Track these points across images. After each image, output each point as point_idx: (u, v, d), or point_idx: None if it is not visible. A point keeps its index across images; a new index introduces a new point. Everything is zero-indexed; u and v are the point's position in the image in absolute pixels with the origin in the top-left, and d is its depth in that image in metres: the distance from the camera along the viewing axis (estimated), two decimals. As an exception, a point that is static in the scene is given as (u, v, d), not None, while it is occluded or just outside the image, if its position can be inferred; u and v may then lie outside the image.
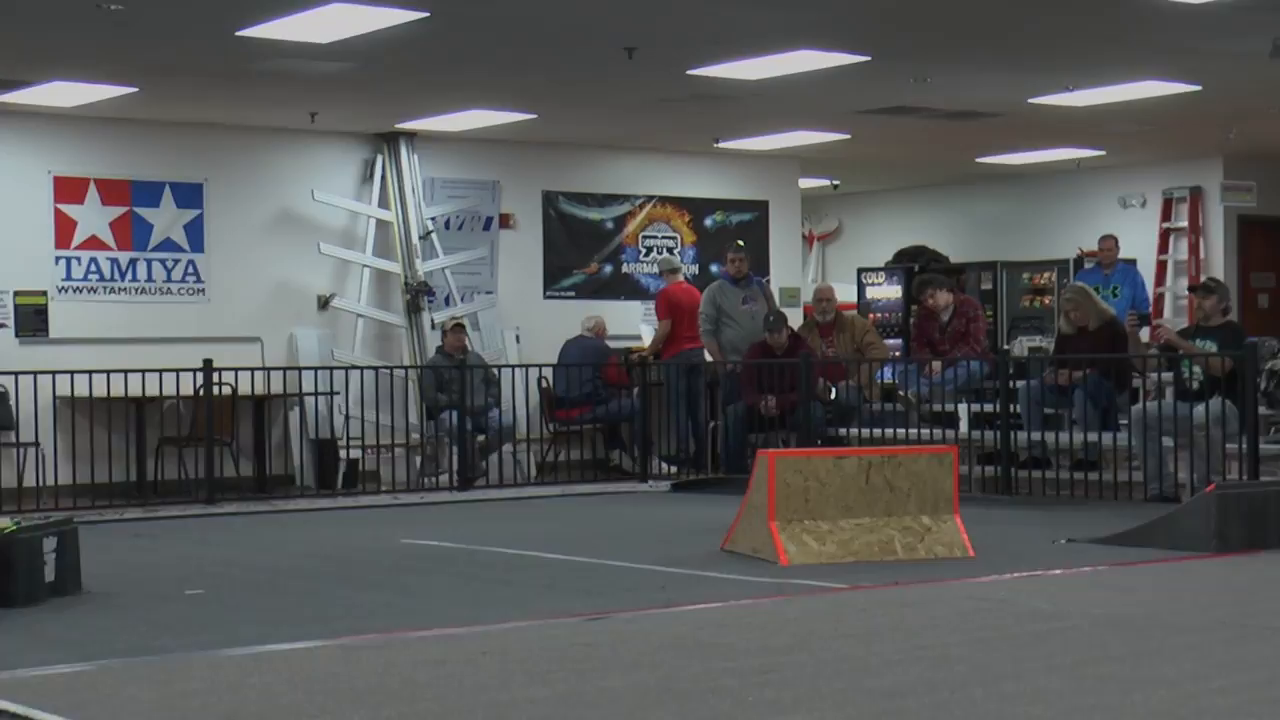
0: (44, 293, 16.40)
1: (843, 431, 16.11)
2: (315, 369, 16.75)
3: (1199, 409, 13.39)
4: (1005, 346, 19.31)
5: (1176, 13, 12.60)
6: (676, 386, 17.65)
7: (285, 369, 16.84)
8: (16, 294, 16.29)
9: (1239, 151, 20.66)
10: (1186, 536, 10.67)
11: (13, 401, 15.54)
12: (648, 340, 18.96)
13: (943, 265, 22.46)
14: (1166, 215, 21.77)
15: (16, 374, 15.09)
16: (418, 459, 17.25)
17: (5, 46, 13.50)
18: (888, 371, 17.24)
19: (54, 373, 15.07)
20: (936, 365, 16.09)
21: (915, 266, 22.39)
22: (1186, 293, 14.86)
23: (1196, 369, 13.65)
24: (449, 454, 16.93)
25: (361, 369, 16.92)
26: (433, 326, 17.81)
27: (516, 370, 17.68)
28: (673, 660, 6.89)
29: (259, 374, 16.34)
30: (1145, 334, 15.68)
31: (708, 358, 17.62)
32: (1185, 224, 21.58)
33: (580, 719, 5.77)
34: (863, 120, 17.77)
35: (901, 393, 16.53)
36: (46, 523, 9.69)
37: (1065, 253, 21.63)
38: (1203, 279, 17.78)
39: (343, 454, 16.95)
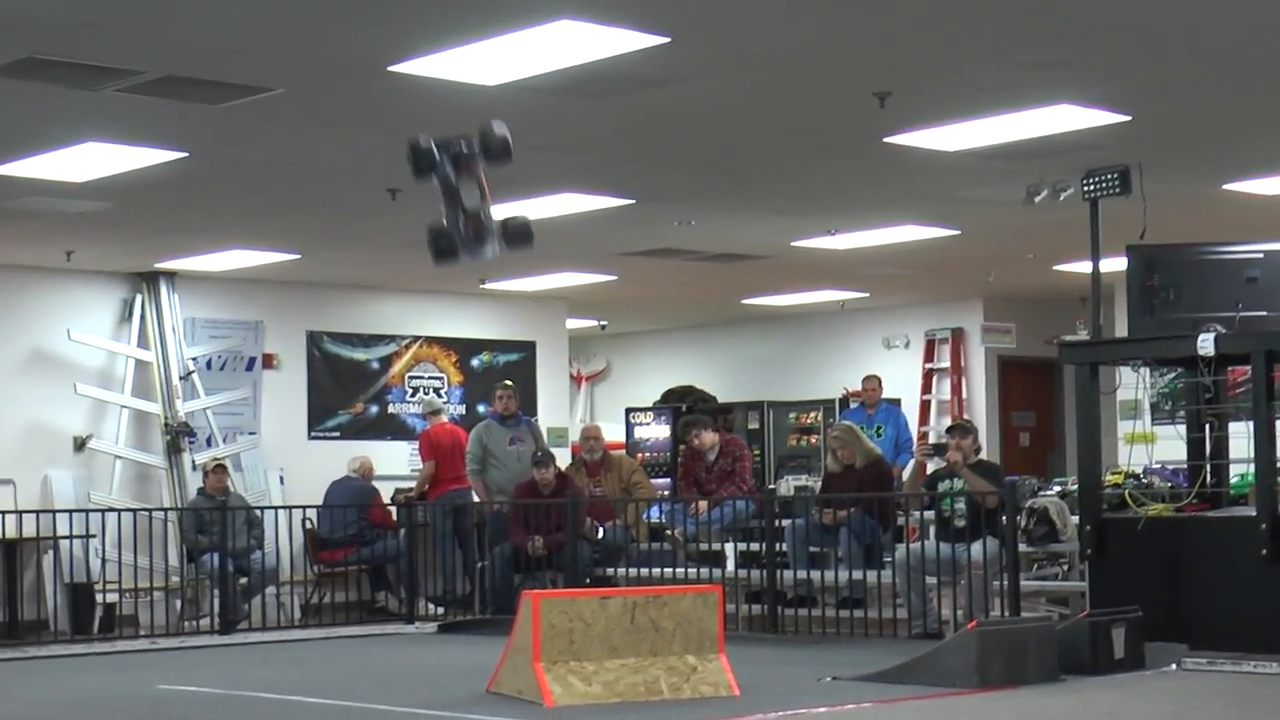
0: None
1: (610, 571, 16.05)
2: (71, 511, 16.33)
3: (960, 548, 13.56)
4: (771, 485, 19.44)
5: (933, 161, 12.89)
6: (442, 527, 17.50)
7: (39, 511, 16.40)
8: None
9: (998, 294, 21.16)
10: (949, 673, 10.75)
11: None
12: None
13: (710, 405, 22.62)
14: (929, 356, 22.20)
15: None
16: (178, 602, 16.87)
17: None
18: (655, 511, 17.23)
19: None
20: (703, 504, 16.12)
21: (683, 406, 22.53)
22: (946, 433, 15.10)
23: (959, 506, 13.84)
24: (210, 597, 16.58)
25: (119, 511, 16.54)
26: (194, 467, 17.51)
27: (280, 511, 17.37)
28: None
29: (10, 517, 15.89)
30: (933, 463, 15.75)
31: (475, 498, 17.51)
32: (947, 364, 22.01)
33: None
34: (629, 262, 17.91)
35: (669, 532, 16.53)
36: None
37: (831, 392, 21.92)
38: (964, 418, 18.10)
39: (99, 598, 16.53)
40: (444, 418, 18.78)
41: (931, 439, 21.41)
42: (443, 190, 9.53)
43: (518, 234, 9.64)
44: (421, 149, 9.38)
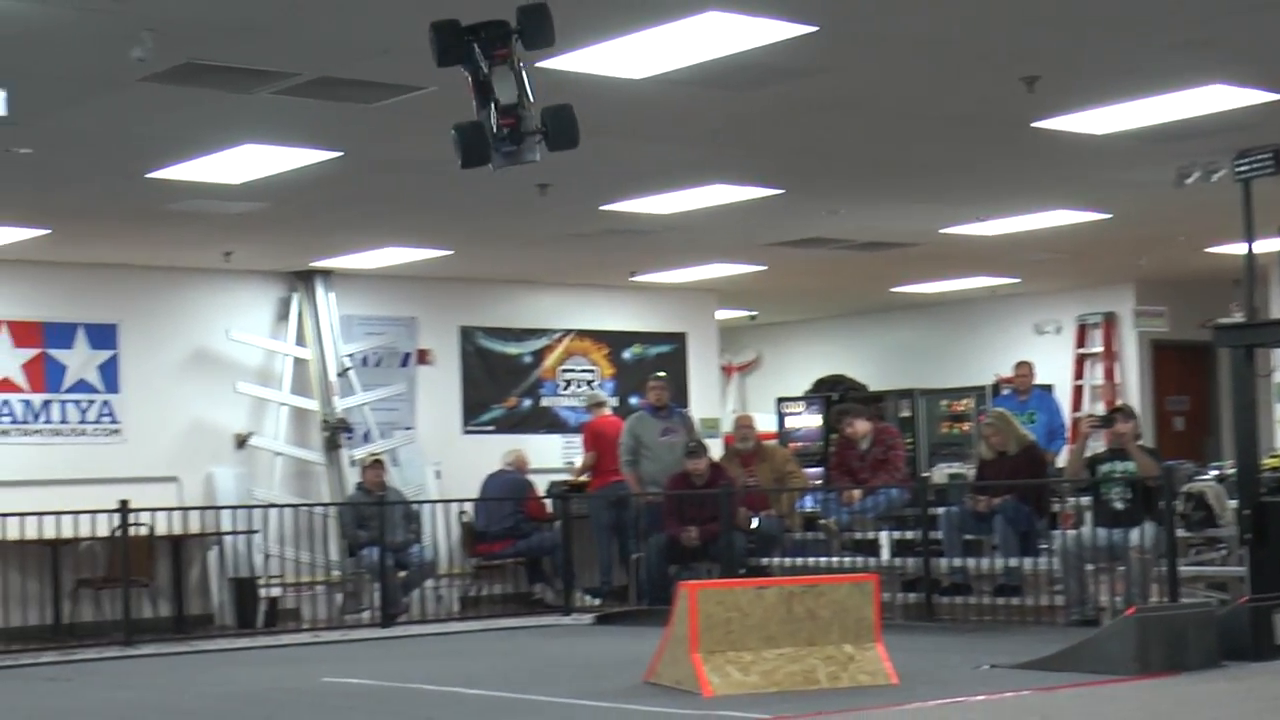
0: (-43, 435, 16.27)
1: (765, 561, 16.08)
2: (233, 508, 16.62)
3: (1119, 534, 13.47)
4: (925, 473, 19.37)
5: (1083, 144, 12.79)
6: (602, 519, 17.62)
7: (203, 508, 16.71)
8: (-70, 438, 16.16)
9: (1151, 277, 20.94)
10: (1108, 660, 10.68)
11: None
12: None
13: (861, 394, 22.58)
14: (1081, 341, 22.00)
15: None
16: (339, 596, 17.12)
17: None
18: (808, 500, 17.25)
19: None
20: (856, 493, 16.12)
21: (834, 395, 22.51)
22: (1106, 417, 14.94)
23: (1117, 490, 13.74)
24: (370, 590, 16.81)
25: (280, 507, 16.81)
26: (352, 463, 17.72)
27: (437, 505, 17.58)
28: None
29: (176, 514, 16.22)
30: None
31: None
32: (1100, 349, 21.80)
33: None
34: (778, 252, 17.92)
35: (822, 521, 16.54)
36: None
37: (983, 379, 21.79)
38: (1118, 403, 17.93)
39: (263, 592, 16.81)
40: (607, 410, 18.87)
41: (1086, 425, 21.23)
42: (472, 81, 8.07)
43: (562, 129, 8.11)
44: (446, 31, 7.86)
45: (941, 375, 22.84)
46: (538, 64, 10.05)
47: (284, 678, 12.46)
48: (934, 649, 12.67)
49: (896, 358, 24.01)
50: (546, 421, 19.99)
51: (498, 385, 19.71)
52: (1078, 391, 21.85)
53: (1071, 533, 14.04)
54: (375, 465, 17.20)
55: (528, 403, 19.93)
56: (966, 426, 21.75)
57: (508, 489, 18.15)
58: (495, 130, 7.72)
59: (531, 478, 18.51)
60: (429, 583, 17.27)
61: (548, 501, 18.27)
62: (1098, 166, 13.86)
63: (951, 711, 9.30)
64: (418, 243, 16.76)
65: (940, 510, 15.29)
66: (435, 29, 7.79)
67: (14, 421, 16.57)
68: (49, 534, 15.40)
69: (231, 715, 10.36)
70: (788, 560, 15.93)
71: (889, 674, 10.59)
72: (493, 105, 7.92)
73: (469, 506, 18.07)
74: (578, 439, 19.43)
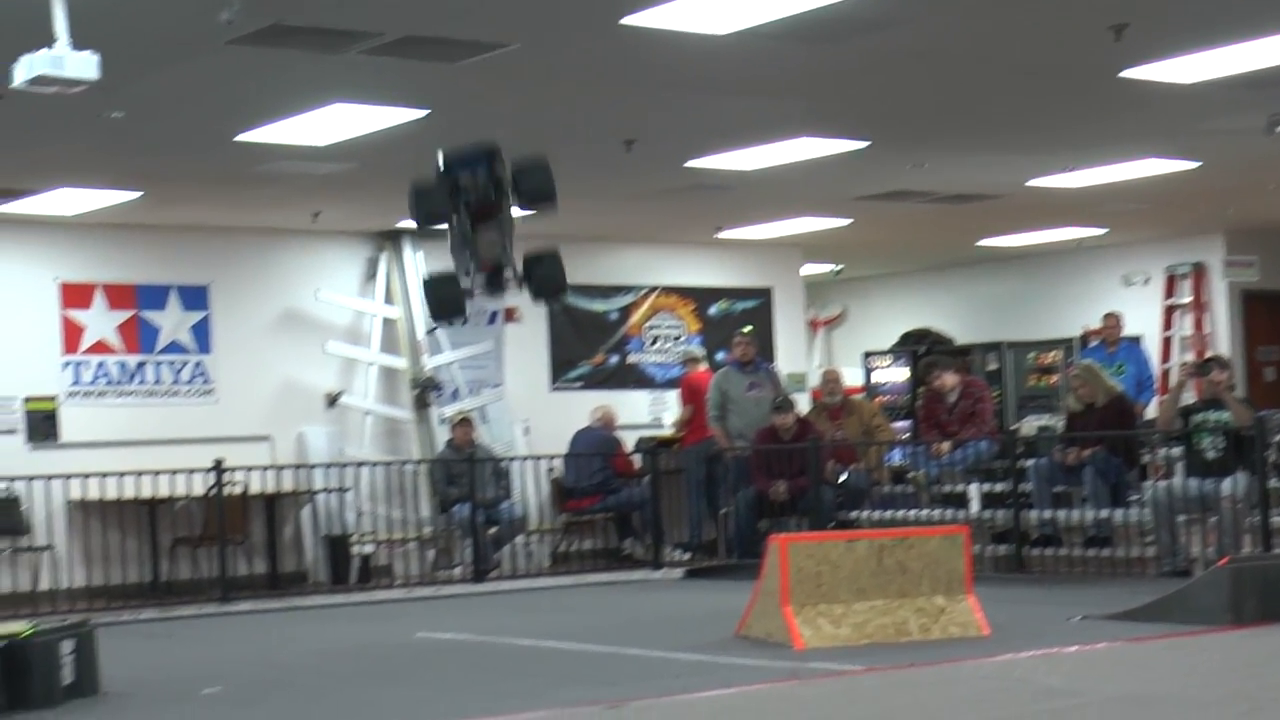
0: (53, 398, 16.45)
1: (853, 515, 16.11)
2: (325, 466, 16.79)
3: (1211, 484, 13.41)
4: (1013, 426, 19.33)
5: (1172, 93, 12.69)
6: (693, 474, 17.67)
7: (295, 467, 16.87)
8: (26, 400, 16.34)
9: (1240, 226, 20.76)
10: (1200, 611, 10.66)
11: (25, 506, 15.59)
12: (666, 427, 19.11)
13: (948, 347, 22.53)
14: (1170, 292, 21.84)
15: (28, 479, 15.18)
16: (431, 553, 17.27)
17: (9, 156, 13.61)
18: (896, 454, 17.26)
19: (65, 476, 15.19)
20: (945, 446, 16.11)
21: (921, 349, 22.47)
22: (1199, 367, 14.86)
23: (1210, 439, 13.68)
24: (462, 547, 16.95)
25: (371, 465, 16.96)
26: (441, 421, 17.84)
27: (526, 462, 17.71)
28: (691, 747, 6.89)
29: (269, 472, 16.40)
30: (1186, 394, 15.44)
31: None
32: (1189, 300, 21.64)
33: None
34: (863, 206, 17.87)
35: (910, 475, 16.55)
36: (63, 625, 9.73)
37: (1070, 331, 21.70)
38: (1208, 355, 17.82)
39: (355, 549, 16.97)
40: (702, 366, 18.89)
41: (1174, 376, 21.12)
42: (451, 236, 6.83)
43: (546, 285, 6.63)
44: (427, 195, 6.60)
45: (1029, 328, 22.74)
46: (621, 20, 10.09)
47: (378, 633, 12.60)
48: (1025, 601, 12.68)
49: (983, 310, 23.92)
50: (633, 378, 20.05)
51: (585, 342, 19.77)
52: (1166, 343, 21.70)
53: (1163, 483, 14.00)
54: (464, 423, 17.31)
55: (614, 359, 19.99)
56: (1054, 379, 21.66)
57: (596, 445, 18.23)
58: (472, 284, 6.48)
59: (619, 434, 18.58)
60: (519, 539, 17.38)
61: (636, 457, 18.34)
62: (1186, 115, 13.75)
63: (1044, 662, 9.30)
64: (504, 200, 16.80)
65: (1029, 462, 15.27)
66: (416, 195, 6.79)
67: (110, 383, 16.77)
68: (146, 494, 15.62)
69: (327, 671, 10.48)
70: (876, 514, 15.95)
71: (980, 626, 10.62)
72: (473, 258, 6.68)
73: (558, 463, 18.17)
74: (665, 394, 19.49)
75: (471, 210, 6.14)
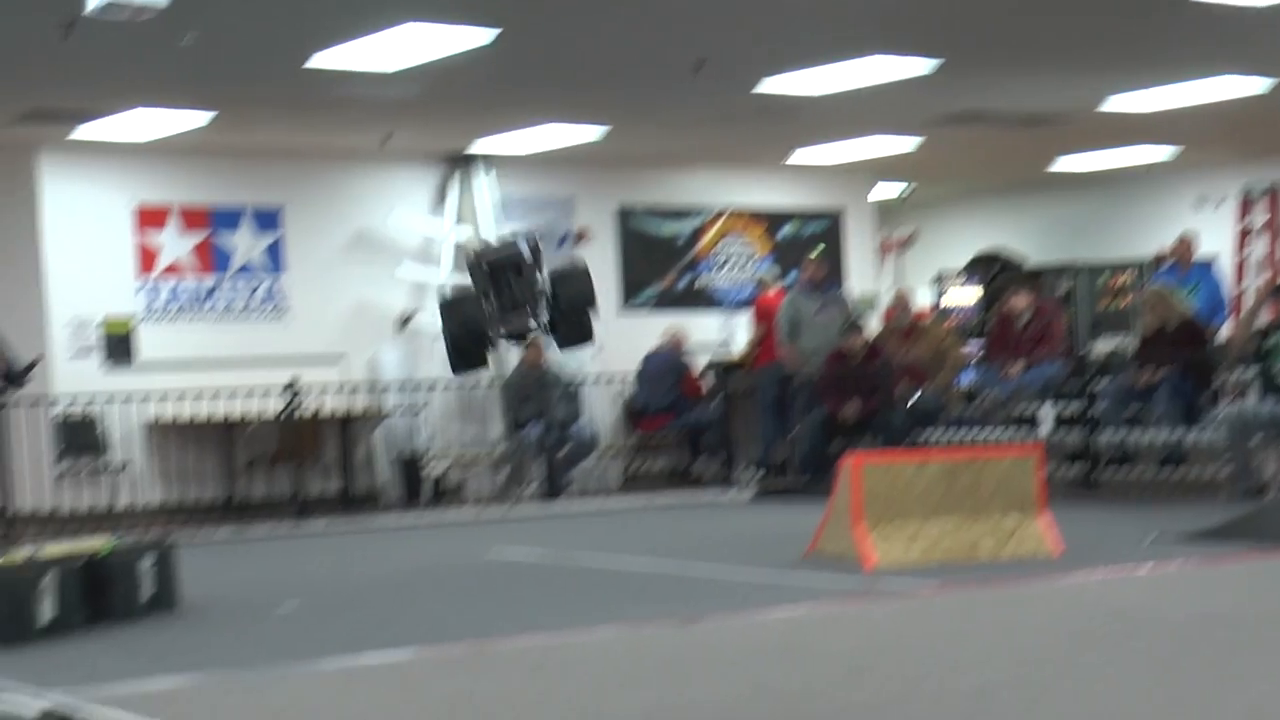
0: (129, 320, 16.59)
1: (924, 436, 16.11)
2: (397, 387, 16.89)
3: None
4: (1085, 348, 19.25)
5: (1246, 14, 12.55)
6: (764, 395, 17.69)
7: (368, 388, 16.99)
8: (103, 322, 16.48)
9: (1317, 146, 20.55)
10: (1274, 531, 10.64)
11: (103, 427, 15.77)
12: (737, 349, 19.11)
13: (1020, 269, 22.43)
14: (1244, 214, 21.64)
15: (105, 400, 15.35)
16: (502, 473, 17.38)
17: (84, 81, 13.69)
18: (967, 376, 17.22)
19: (142, 399, 15.33)
20: (1016, 368, 16.06)
21: (992, 271, 22.38)
22: (1265, 291, 14.77)
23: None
24: (533, 467, 17.05)
25: (443, 386, 17.06)
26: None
27: (597, 383, 17.77)
28: (763, 665, 6.93)
29: (342, 393, 16.51)
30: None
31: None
32: (1263, 222, 21.44)
33: (675, 721, 5.83)
34: (935, 127, 17.77)
35: (982, 396, 16.52)
36: (142, 542, 9.87)
37: (1143, 254, 21.56)
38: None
39: (427, 470, 17.09)
40: (774, 288, 18.87)
41: (1248, 300, 20.96)
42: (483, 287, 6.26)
43: (574, 333, 5.72)
44: (464, 347, 5.83)
45: (1101, 250, 22.62)
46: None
47: (450, 553, 12.69)
48: (1097, 522, 12.68)
49: (1055, 232, 23.79)
50: (703, 300, 20.06)
51: (654, 264, 19.78)
52: (1240, 266, 21.53)
53: (1236, 405, 13.93)
54: (535, 344, 17.35)
55: (684, 281, 20.00)
56: (1126, 301, 21.54)
57: (666, 367, 18.27)
58: (496, 336, 5.71)
59: (689, 356, 18.60)
60: (590, 459, 17.47)
61: (706, 378, 18.37)
62: (1262, 34, 13.60)
63: (1117, 583, 9.31)
64: (575, 118, 16.78)
65: (1101, 384, 15.22)
66: (453, 342, 5.85)
67: (184, 305, 16.90)
68: (221, 414, 15.76)
69: (400, 589, 10.58)
70: (947, 436, 15.94)
71: (1052, 546, 10.63)
72: (505, 309, 5.96)
73: (628, 384, 18.23)
74: (734, 316, 19.51)
75: (504, 311, 5.56)
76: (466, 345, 5.13)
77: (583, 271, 5.11)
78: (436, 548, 13.20)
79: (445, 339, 5.12)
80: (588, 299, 4.96)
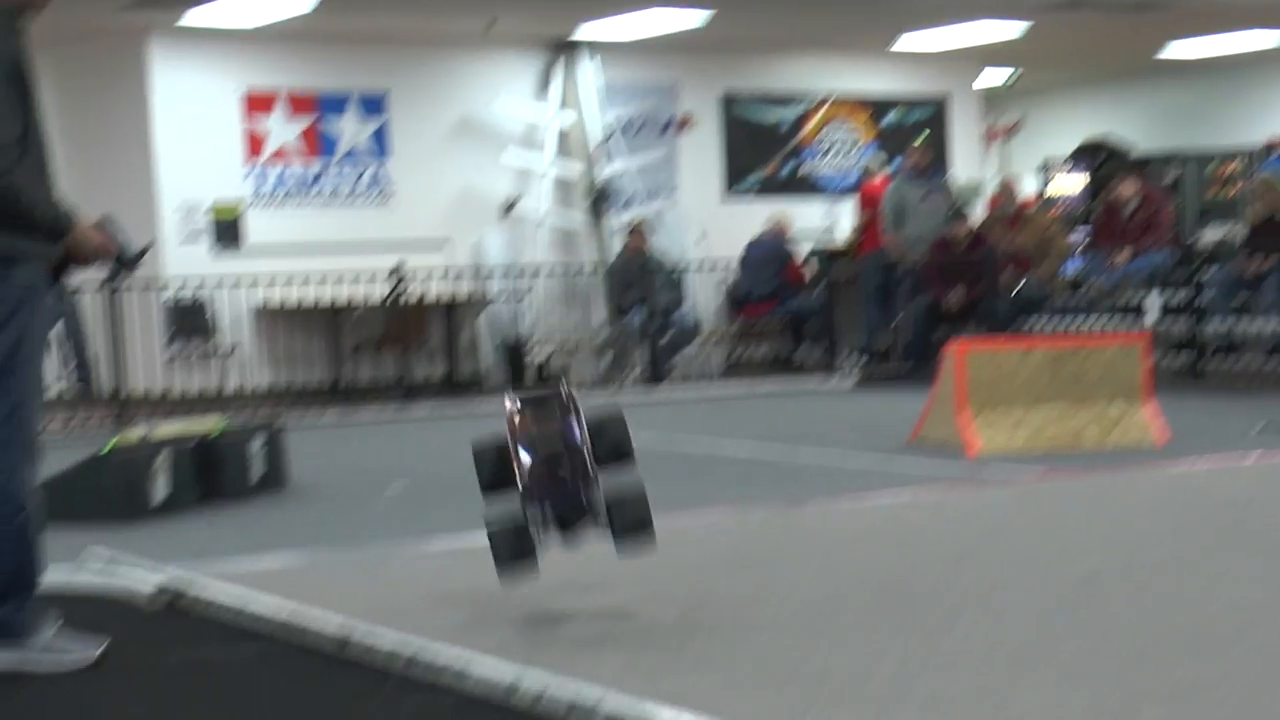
0: (237, 205, 16.72)
1: (1028, 325, 16.04)
2: (501, 272, 16.98)
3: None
4: (1192, 236, 19.06)
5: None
6: (869, 283, 17.65)
7: (472, 273, 17.08)
8: (211, 207, 16.62)
9: None
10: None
11: (213, 311, 15.96)
12: (841, 236, 19.06)
13: (1126, 156, 22.19)
14: (1357, 99, 21.32)
15: (214, 285, 15.52)
16: (605, 359, 17.46)
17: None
18: (1073, 264, 17.11)
19: (249, 284, 15.51)
20: (1122, 256, 15.94)
21: (1099, 159, 22.16)
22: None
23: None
24: (635, 354, 17.11)
25: (547, 271, 17.12)
26: (615, 228, 17.94)
27: (700, 270, 17.79)
28: (867, 548, 6.99)
29: (447, 278, 16.61)
30: None
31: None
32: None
33: (780, 603, 5.89)
34: (1043, 12, 17.56)
35: (1087, 285, 16.42)
36: (253, 423, 10.02)
37: (1252, 141, 21.28)
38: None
39: (531, 355, 17.20)
40: (879, 175, 18.79)
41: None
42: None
43: (629, 528, 5.20)
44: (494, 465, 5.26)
45: (1209, 138, 22.34)
46: None
47: (555, 437, 12.76)
48: (1203, 411, 12.61)
49: (1163, 120, 23.51)
50: (806, 186, 19.98)
51: (758, 150, 19.71)
52: (1354, 153, 21.23)
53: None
54: (638, 230, 17.40)
55: (788, 168, 19.92)
56: (1235, 190, 21.29)
57: (769, 254, 18.25)
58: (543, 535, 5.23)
59: (792, 243, 18.57)
60: (692, 346, 17.52)
61: (809, 266, 18.35)
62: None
63: (1222, 472, 9.28)
64: (678, 3, 16.65)
65: (1208, 274, 15.09)
66: (478, 463, 5.54)
67: (291, 190, 17.01)
68: (327, 299, 15.91)
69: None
70: (1051, 324, 15.87)
71: (1157, 435, 10.60)
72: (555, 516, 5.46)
73: (731, 271, 18.24)
74: (838, 204, 19.45)
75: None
76: (512, 545, 4.56)
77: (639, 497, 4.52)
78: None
79: (490, 538, 4.56)
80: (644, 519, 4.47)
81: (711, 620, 5.49)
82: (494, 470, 5.41)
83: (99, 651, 5.26)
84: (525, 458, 5.33)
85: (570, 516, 5.32)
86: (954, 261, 16.35)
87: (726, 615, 5.66)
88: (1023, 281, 16.34)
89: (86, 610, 5.89)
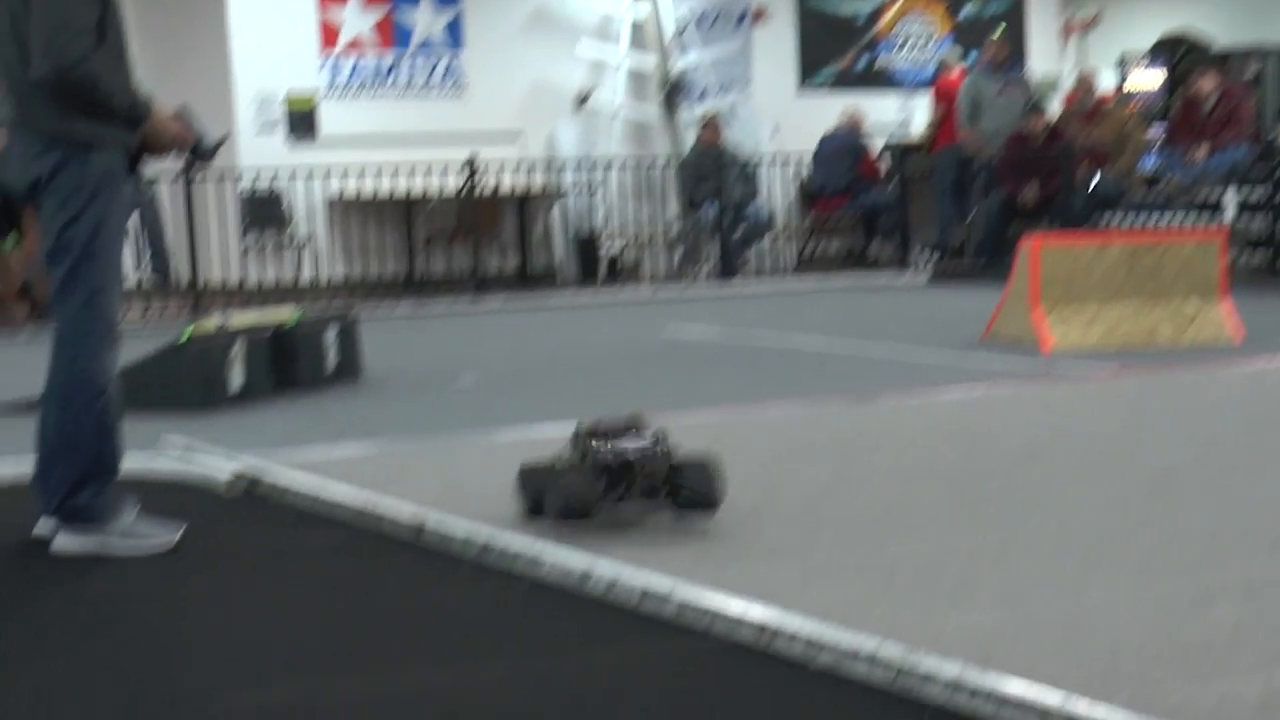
0: (312, 96, 16.73)
1: (1104, 221, 15.93)
2: (575, 165, 16.96)
3: None
4: (1273, 133, 18.84)
5: None
6: (943, 177, 17.54)
7: (545, 165, 17.06)
8: (286, 98, 16.63)
9: None
10: None
11: (287, 203, 16.01)
12: (916, 131, 18.93)
13: (1207, 51, 21.92)
14: None
15: (289, 176, 15.56)
16: (677, 253, 17.45)
17: None
18: (1150, 159, 16.96)
19: (323, 175, 15.53)
20: (1200, 152, 15.78)
21: (1178, 53, 21.89)
22: None
23: None
24: (708, 247, 17.10)
25: (620, 164, 17.09)
26: (689, 122, 17.87)
27: (773, 163, 17.72)
28: (939, 442, 6.98)
29: (520, 171, 16.59)
30: None
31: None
32: None
33: (852, 496, 5.90)
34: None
35: (1164, 181, 16.27)
36: (327, 314, 10.08)
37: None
38: None
39: (603, 249, 17.20)
40: (955, 69, 18.62)
41: None
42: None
43: (693, 500, 5.06)
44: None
45: (1292, 32, 22.04)
46: None
47: (626, 330, 12.82)
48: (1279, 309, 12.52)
49: (1244, 14, 23.17)
50: (882, 80, 19.83)
51: (833, 43, 19.55)
52: None
53: None
54: (712, 124, 17.32)
55: (863, 61, 19.77)
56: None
57: (843, 148, 18.15)
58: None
59: (867, 137, 18.46)
60: (765, 240, 17.48)
61: (884, 160, 18.25)
62: None
63: (1297, 369, 9.23)
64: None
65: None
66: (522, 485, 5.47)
67: (366, 81, 17.00)
68: (401, 191, 15.93)
69: (577, 364, 10.72)
70: (1128, 220, 15.76)
71: (1233, 333, 10.53)
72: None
73: (805, 165, 18.15)
74: (913, 98, 19.29)
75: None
76: (574, 506, 4.46)
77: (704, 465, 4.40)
78: (612, 325, 13.33)
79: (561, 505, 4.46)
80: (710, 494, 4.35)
81: (783, 512, 5.51)
82: (536, 495, 5.37)
83: (177, 536, 5.33)
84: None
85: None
86: (1030, 156, 16.22)
87: (798, 508, 5.68)
88: (1099, 177, 16.21)
89: (164, 496, 5.96)
